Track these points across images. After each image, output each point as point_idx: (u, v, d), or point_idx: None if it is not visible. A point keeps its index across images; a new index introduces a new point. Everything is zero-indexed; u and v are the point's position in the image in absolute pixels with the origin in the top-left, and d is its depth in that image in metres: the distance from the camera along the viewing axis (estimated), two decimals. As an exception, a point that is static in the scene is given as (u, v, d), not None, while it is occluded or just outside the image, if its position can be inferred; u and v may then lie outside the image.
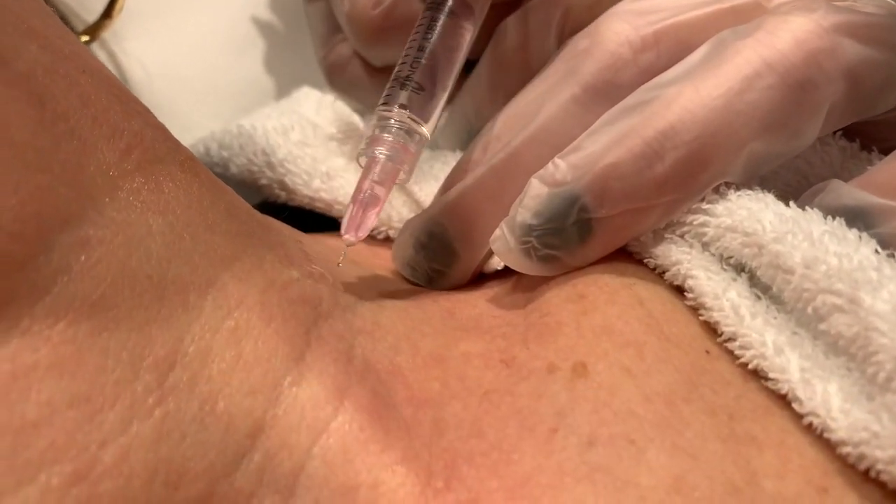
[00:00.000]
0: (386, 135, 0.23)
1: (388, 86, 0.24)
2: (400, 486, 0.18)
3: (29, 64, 0.17)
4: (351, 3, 0.30)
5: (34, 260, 0.15)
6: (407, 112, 0.23)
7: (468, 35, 0.25)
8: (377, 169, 0.23)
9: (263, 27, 0.42)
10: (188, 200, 0.19)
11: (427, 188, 0.27)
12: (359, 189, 0.23)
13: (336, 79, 0.33)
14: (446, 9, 0.24)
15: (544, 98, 0.23)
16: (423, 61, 0.23)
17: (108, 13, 0.33)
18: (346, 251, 0.23)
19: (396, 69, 0.24)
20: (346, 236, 0.22)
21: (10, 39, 0.17)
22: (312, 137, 0.29)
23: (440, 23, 0.24)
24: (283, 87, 0.39)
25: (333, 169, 0.29)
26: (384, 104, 0.23)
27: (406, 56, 0.24)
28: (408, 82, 0.23)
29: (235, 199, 0.21)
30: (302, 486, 0.17)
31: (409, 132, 0.23)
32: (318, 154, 0.29)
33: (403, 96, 0.23)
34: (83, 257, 0.16)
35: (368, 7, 0.29)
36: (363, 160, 0.23)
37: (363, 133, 0.24)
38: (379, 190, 0.23)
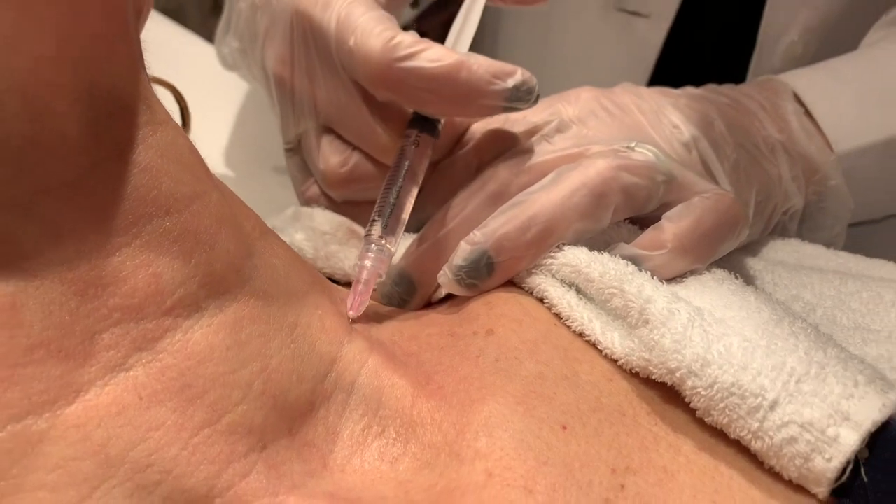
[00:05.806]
0: (370, 252, 0.36)
1: (370, 221, 0.37)
2: (404, 386, 0.32)
3: (220, 190, 0.33)
4: (324, 163, 0.43)
5: (240, 270, 0.30)
6: (383, 239, 0.37)
7: (415, 191, 0.39)
8: (365, 273, 0.36)
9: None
10: (287, 253, 0.34)
11: (396, 253, 0.44)
12: (356, 284, 0.35)
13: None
14: (401, 178, 0.38)
15: (467, 201, 0.40)
16: (389, 210, 0.38)
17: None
18: (351, 321, 0.34)
19: (375, 210, 0.37)
20: (350, 313, 0.34)
21: (210, 180, 0.31)
22: (313, 235, 0.42)
23: (397, 185, 0.38)
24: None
25: (329, 252, 0.42)
26: (369, 233, 0.36)
27: (380, 204, 0.38)
28: (380, 220, 0.37)
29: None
30: (356, 389, 0.31)
31: (384, 250, 0.37)
32: (318, 244, 0.42)
33: (379, 229, 0.37)
34: (254, 273, 0.30)
35: (337, 167, 0.43)
36: (355, 268, 0.36)
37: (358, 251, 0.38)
38: (368, 286, 0.35)
